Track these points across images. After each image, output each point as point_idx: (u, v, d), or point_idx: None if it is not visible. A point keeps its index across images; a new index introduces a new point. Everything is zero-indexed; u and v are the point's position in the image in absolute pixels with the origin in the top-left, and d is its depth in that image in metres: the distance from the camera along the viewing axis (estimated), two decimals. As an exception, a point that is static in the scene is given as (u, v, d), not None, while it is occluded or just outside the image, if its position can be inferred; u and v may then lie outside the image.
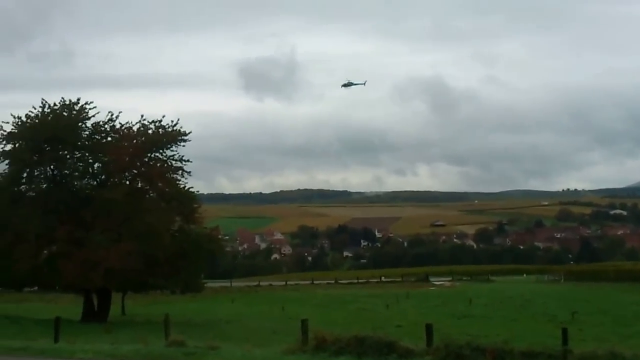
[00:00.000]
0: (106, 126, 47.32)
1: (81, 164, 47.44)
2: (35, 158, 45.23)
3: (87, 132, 47.33)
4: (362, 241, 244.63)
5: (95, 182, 48.02)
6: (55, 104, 45.93)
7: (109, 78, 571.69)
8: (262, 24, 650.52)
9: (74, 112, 46.25)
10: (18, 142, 45.13)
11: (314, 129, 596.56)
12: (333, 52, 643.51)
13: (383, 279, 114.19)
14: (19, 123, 44.90)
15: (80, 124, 46.76)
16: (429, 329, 19.51)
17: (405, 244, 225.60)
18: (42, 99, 45.91)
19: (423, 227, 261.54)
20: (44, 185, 46.81)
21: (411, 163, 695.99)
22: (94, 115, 46.93)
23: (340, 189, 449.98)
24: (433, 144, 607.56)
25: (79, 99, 46.58)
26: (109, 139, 47.56)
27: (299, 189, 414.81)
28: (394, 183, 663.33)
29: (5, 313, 47.48)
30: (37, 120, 45.10)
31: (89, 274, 41.45)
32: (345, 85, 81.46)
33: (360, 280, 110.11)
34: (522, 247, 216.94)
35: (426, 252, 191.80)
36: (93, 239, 42.55)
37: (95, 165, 47.86)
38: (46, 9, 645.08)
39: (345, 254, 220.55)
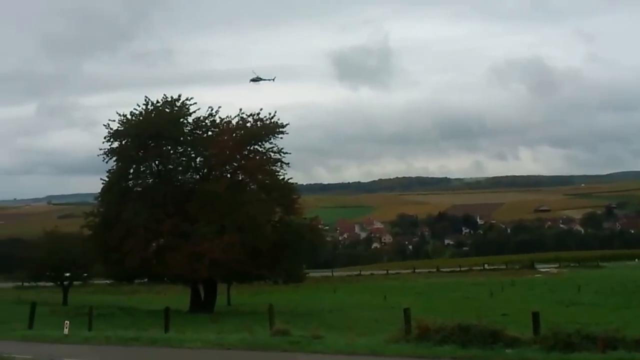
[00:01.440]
0: (207, 121, 48.49)
1: (184, 159, 48.77)
2: (140, 154, 46.87)
3: (188, 128, 48.58)
4: (463, 228, 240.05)
5: (197, 176, 49.20)
6: (157, 101, 47.52)
7: (207, 74, 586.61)
8: (355, 12, 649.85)
9: (176, 109, 47.62)
10: (124, 139, 46.83)
11: (411, 116, 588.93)
12: (427, 36, 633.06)
13: (486, 266, 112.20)
14: (125, 121, 46.71)
15: (181, 119, 48.09)
16: (535, 317, 18.96)
17: (509, 230, 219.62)
18: (145, 97, 47.66)
19: (527, 213, 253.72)
20: (150, 180, 48.38)
21: (512, 147, 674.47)
22: (194, 111, 48.39)
23: (439, 176, 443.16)
24: (535, 126, 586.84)
25: (180, 96, 48.10)
26: (210, 133, 48.70)
27: (397, 177, 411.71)
28: (494, 168, 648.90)
29: (118, 304, 49.65)
30: (141, 118, 46.73)
31: (195, 265, 42.52)
32: (253, 81, 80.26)
33: (462, 268, 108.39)
34: (633, 232, 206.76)
35: (531, 239, 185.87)
36: (198, 232, 43.63)
37: (197, 159, 49.07)
38: (146, 9, 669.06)
39: (446, 241, 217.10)
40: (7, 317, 33.45)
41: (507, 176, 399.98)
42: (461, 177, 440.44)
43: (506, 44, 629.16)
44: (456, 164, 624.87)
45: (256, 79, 75.97)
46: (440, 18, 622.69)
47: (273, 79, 77.40)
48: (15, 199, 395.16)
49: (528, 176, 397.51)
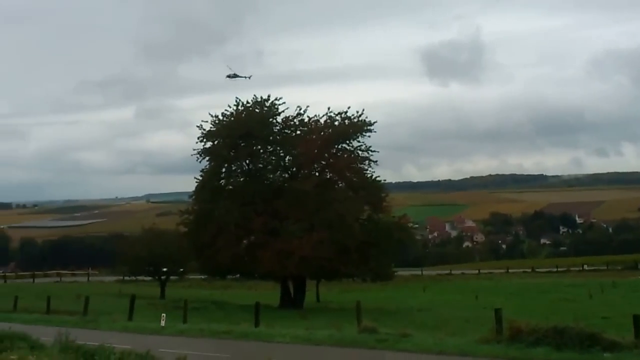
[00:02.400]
0: (295, 120, 49.24)
1: (273, 158, 49.66)
2: (232, 154, 48.11)
3: (277, 127, 49.50)
4: (560, 227, 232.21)
5: (286, 175, 49.98)
6: (248, 102, 48.70)
7: (296, 74, 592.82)
8: (445, 8, 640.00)
9: (265, 109, 48.63)
10: (216, 139, 48.20)
11: (504, 112, 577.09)
12: (521, 29, 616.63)
13: (585, 267, 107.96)
14: (216, 122, 48.16)
15: (271, 119, 49.04)
16: (637, 320, 18.21)
17: (610, 229, 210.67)
18: (236, 98, 48.97)
19: (630, 212, 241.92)
20: (241, 179, 49.54)
21: (614, 142, 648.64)
22: (283, 111, 49.24)
23: (535, 173, 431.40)
24: (639, 120, 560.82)
25: (269, 96, 49.08)
26: (298, 132, 49.39)
27: (490, 175, 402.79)
28: (594, 164, 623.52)
29: (212, 299, 51.14)
30: (232, 118, 48.01)
31: (284, 262, 43.26)
32: (229, 77, 78.43)
33: (559, 269, 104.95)
34: None
35: (634, 238, 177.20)
36: (287, 229, 44.43)
37: (286, 158, 49.87)
38: (238, 13, 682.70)
39: (542, 241, 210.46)
40: (109, 309, 34.98)
41: (608, 173, 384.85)
42: (558, 174, 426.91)
43: (606, 34, 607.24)
44: (553, 161, 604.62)
45: (232, 76, 76.41)
46: (534, 9, 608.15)
47: (249, 77, 78.03)
48: (116, 197, 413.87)
49: (632, 172, 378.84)
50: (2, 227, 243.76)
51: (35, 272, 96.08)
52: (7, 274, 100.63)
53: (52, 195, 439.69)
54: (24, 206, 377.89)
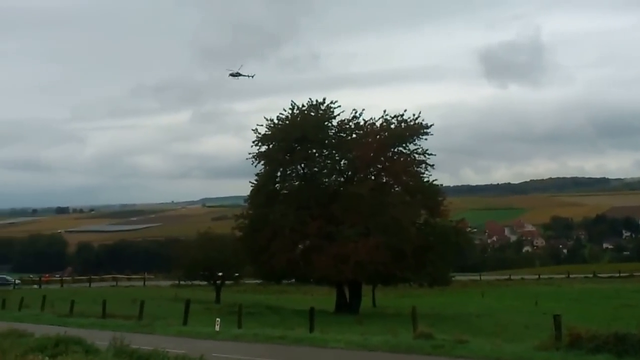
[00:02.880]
0: (351, 123, 48.82)
1: (329, 161, 49.26)
2: (287, 158, 47.87)
3: (333, 131, 49.14)
4: (623, 232, 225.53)
5: (342, 178, 49.55)
6: (303, 105, 48.50)
7: (352, 77, 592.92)
8: (503, 8, 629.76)
9: (321, 112, 48.34)
10: (272, 143, 48.13)
11: (565, 114, 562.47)
12: (583, 29, 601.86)
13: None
14: (272, 126, 48.08)
15: (326, 122, 48.72)
16: (702, 327, 17.19)
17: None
18: (292, 101, 48.84)
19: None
20: (296, 183, 49.36)
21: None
22: (339, 114, 48.91)
23: (597, 176, 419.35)
24: None
25: (324, 99, 48.86)
26: (354, 135, 48.96)
27: (550, 178, 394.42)
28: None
29: (267, 303, 51.02)
30: (287, 122, 47.85)
31: (340, 267, 42.85)
32: (232, 75, 76.99)
33: (622, 274, 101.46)
34: None
35: None
36: (342, 233, 43.97)
37: (342, 161, 49.40)
38: (293, 16, 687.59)
39: (604, 245, 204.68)
40: (164, 314, 35.14)
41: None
42: (621, 177, 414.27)
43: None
44: (615, 163, 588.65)
45: (235, 74, 76.22)
46: (595, 9, 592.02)
47: (252, 76, 77.63)
48: (172, 201, 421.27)
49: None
50: (59, 231, 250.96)
51: (92, 277, 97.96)
52: (64, 278, 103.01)
53: (108, 199, 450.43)
54: (81, 211, 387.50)
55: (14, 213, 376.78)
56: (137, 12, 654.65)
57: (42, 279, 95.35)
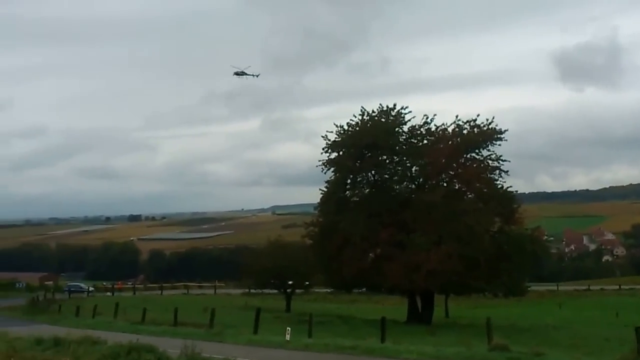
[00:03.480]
0: (422, 129, 47.91)
1: (399, 168, 48.46)
2: (357, 164, 47.30)
3: (404, 137, 48.32)
4: None
5: (413, 185, 48.62)
6: (373, 111, 47.87)
7: (423, 81, 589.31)
8: (579, 9, 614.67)
9: (391, 118, 47.64)
10: (341, 150, 47.65)
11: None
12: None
13: None
14: (341, 132, 47.62)
15: (397, 129, 47.95)
16: None
17: None
18: (362, 107, 48.25)
19: None
20: (366, 190, 48.64)
21: None
22: (409, 120, 48.03)
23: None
24: None
25: (395, 105, 48.07)
26: (425, 141, 48.04)
27: (631, 184, 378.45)
28: None
29: (338, 313, 50.58)
30: (357, 128, 47.31)
31: (412, 276, 41.95)
32: (237, 74, 74.88)
33: None
34: None
35: None
36: (414, 242, 43.03)
37: (413, 168, 48.46)
38: (364, 21, 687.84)
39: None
40: (235, 322, 35.12)
41: None
42: None
43: None
44: None
45: (240, 73, 75.80)
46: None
47: (257, 75, 77.00)
48: (243, 209, 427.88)
49: None
50: (132, 239, 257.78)
51: (163, 284, 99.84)
52: (136, 285, 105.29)
53: (180, 207, 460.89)
54: (153, 218, 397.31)
55: (88, 221, 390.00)
56: (207, 21, 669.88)
57: (115, 286, 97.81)
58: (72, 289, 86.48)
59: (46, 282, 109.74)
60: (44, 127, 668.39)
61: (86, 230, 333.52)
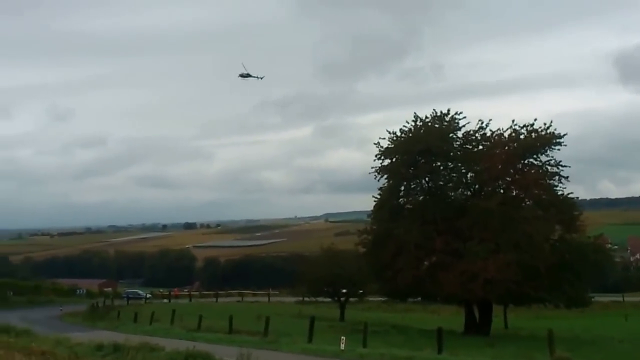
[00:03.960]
0: (477, 135, 46.94)
1: (454, 175, 47.60)
2: (410, 171, 46.66)
3: (458, 142, 47.47)
4: None
5: (469, 192, 47.66)
6: (426, 117, 47.18)
7: (477, 86, 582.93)
8: (638, 9, 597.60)
9: (445, 124, 46.87)
10: (394, 156, 47.06)
11: None
12: None
13: None
14: (394, 138, 47.05)
15: (451, 134, 47.15)
16: None
17: None
18: (414, 113, 47.58)
19: None
20: (420, 197, 47.88)
21: None
22: (464, 125, 47.16)
23: None
24: None
25: (449, 110, 47.33)
26: (480, 147, 47.01)
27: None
28: None
29: (392, 322, 49.94)
30: (410, 135, 46.68)
31: (469, 285, 41.00)
32: (242, 76, 73.59)
33: None
34: None
35: None
36: (470, 250, 42.09)
37: (468, 174, 47.51)
38: (416, 26, 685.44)
39: None
40: (289, 330, 34.96)
41: None
42: None
43: None
44: None
45: (245, 75, 75.60)
46: None
47: (262, 77, 76.54)
48: (295, 216, 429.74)
49: None
50: (187, 246, 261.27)
51: (218, 292, 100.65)
52: (192, 292, 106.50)
53: (234, 215, 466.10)
54: (208, 226, 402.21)
55: (145, 229, 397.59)
56: (260, 30, 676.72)
57: (172, 293, 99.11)
58: (130, 296, 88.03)
59: (105, 289, 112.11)
60: (104, 137, 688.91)
61: (144, 238, 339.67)
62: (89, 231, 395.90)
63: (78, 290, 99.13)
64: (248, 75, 75.75)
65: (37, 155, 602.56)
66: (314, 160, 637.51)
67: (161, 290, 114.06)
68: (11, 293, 77.68)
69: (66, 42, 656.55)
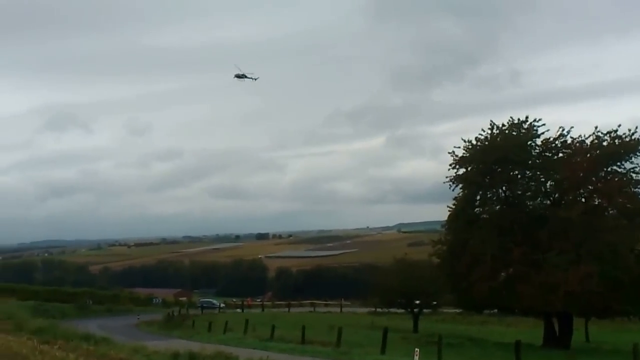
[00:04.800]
0: (557, 142, 45.41)
1: (533, 183, 46.16)
2: (487, 180, 45.56)
3: (536, 150, 46.05)
4: None
5: (548, 201, 46.11)
6: (503, 125, 45.89)
7: (557, 92, 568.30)
8: None
9: (523, 131, 45.55)
10: (470, 165, 46.03)
11: None
12: None
13: None
14: (470, 147, 45.97)
15: (529, 142, 45.79)
16: None
17: None
18: (491, 121, 46.36)
19: None
20: (497, 207, 46.64)
21: None
22: (543, 132, 45.70)
23: None
24: None
25: (527, 117, 45.89)
26: (560, 155, 45.48)
27: None
28: None
29: (468, 334, 48.72)
30: (486, 143, 45.53)
31: (548, 297, 39.59)
32: (237, 77, 75.18)
33: None
34: None
35: None
36: (550, 261, 40.66)
37: (547, 183, 46.01)
38: (493, 33, 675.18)
39: None
40: (361, 341, 34.58)
41: None
42: None
43: None
44: None
45: (241, 76, 75.05)
46: None
47: (256, 79, 76.51)
48: (368, 227, 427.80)
49: None
50: (260, 256, 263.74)
51: (291, 302, 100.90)
52: (264, 302, 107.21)
53: (306, 225, 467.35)
54: (280, 236, 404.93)
55: (219, 239, 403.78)
56: (332, 40, 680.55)
57: (245, 303, 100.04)
58: (204, 305, 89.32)
59: (180, 298, 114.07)
60: (180, 150, 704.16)
61: (217, 248, 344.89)
62: (164, 242, 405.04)
63: (154, 300, 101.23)
64: (243, 76, 77.18)
65: (116, 168, 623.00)
66: (386, 170, 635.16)
67: (234, 299, 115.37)
68: (90, 302, 79.62)
69: (144, 58, 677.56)
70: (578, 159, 43.57)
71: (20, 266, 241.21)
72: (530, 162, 45.57)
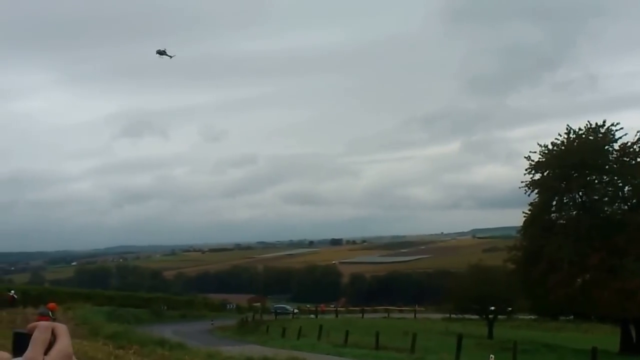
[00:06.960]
0: (635, 147, 44.49)
1: (610, 189, 45.36)
2: (563, 185, 45.08)
3: (614, 155, 45.24)
4: None
5: (626, 207, 45.22)
6: (580, 129, 45.37)
7: (635, 97, 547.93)
8: None
9: (600, 136, 44.90)
10: (546, 170, 45.65)
11: None
12: None
13: None
14: (546, 152, 45.67)
15: (607, 147, 45.09)
16: None
17: None
18: (567, 126, 45.90)
19: None
20: (574, 212, 46.05)
21: None
22: (621, 137, 44.97)
23: None
24: None
25: (604, 122, 45.26)
26: (639, 159, 44.49)
27: None
28: None
29: (543, 341, 47.99)
30: (563, 148, 45.13)
31: (625, 303, 38.91)
32: (159, 53, 78.83)
33: None
34: None
35: None
36: (627, 267, 39.96)
37: (625, 188, 45.21)
38: (571, 37, 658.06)
39: None
40: (435, 347, 34.66)
41: None
42: None
43: None
44: None
45: (162, 52, 79.34)
46: None
47: (172, 56, 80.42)
48: (442, 232, 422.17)
49: None
50: (333, 262, 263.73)
51: (364, 308, 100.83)
52: (338, 308, 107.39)
53: (380, 231, 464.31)
54: (354, 242, 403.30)
55: (292, 245, 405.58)
56: (405, 46, 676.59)
57: (319, 308, 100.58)
58: (278, 311, 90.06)
59: (254, 304, 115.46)
60: (254, 156, 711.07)
61: (291, 254, 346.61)
62: (238, 247, 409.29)
63: (228, 305, 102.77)
64: (164, 53, 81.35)
65: (191, 174, 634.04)
66: (460, 176, 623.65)
67: (308, 305, 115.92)
68: (165, 307, 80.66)
69: (219, 65, 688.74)
70: (657, 164, 42.59)
71: (95, 272, 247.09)
72: (607, 167, 44.87)
